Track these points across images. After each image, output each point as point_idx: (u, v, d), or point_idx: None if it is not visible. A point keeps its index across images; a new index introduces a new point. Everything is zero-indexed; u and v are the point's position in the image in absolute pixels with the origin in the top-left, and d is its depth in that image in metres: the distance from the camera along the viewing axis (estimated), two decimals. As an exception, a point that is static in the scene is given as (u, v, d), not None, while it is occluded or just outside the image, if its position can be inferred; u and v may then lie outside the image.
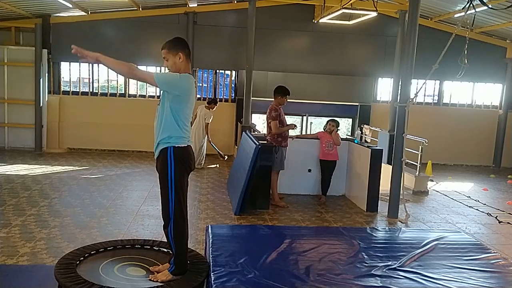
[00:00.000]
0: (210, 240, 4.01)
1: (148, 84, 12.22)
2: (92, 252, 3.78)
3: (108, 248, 3.90)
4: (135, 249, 3.96)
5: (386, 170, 7.24)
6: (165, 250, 3.94)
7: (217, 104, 10.05)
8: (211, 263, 3.53)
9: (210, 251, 3.77)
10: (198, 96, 12.40)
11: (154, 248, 4.00)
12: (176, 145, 3.38)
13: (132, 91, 12.23)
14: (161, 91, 3.52)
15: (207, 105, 9.93)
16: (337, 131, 7.51)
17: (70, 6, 10.12)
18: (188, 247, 4.14)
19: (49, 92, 11.60)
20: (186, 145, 3.45)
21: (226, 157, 10.39)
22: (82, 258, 3.64)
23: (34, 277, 4.05)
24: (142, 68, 12.85)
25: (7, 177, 8.27)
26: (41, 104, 11.18)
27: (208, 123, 9.70)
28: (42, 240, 5.08)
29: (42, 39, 11.03)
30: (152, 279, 3.40)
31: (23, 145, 11.38)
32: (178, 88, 3.42)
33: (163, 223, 3.48)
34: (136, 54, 11.77)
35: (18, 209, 6.27)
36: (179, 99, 3.43)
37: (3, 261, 4.42)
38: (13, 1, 9.70)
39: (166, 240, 3.62)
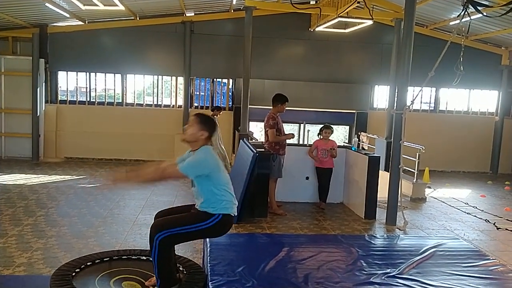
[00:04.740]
0: (208, 249, 3.99)
1: (146, 94, 12.30)
2: (88, 263, 3.74)
3: (104, 259, 3.86)
4: (131, 260, 3.93)
5: (383, 177, 7.24)
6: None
7: (221, 111, 10.18)
8: (209, 272, 3.51)
9: (208, 260, 3.75)
10: (196, 104, 12.44)
11: (150, 259, 3.97)
12: (224, 213, 3.36)
13: (129, 100, 12.24)
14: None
15: (211, 112, 10.08)
16: (333, 146, 7.48)
17: (68, 16, 10.16)
18: (185, 256, 4.13)
19: (46, 102, 11.60)
20: (233, 214, 3.44)
21: None
22: (78, 270, 3.60)
23: (30, 287, 4.02)
24: (139, 76, 12.73)
25: (3, 186, 8.23)
26: (38, 114, 11.16)
27: None
28: (38, 250, 5.05)
29: (39, 49, 11.04)
30: None
31: (20, 155, 11.34)
32: (206, 167, 3.36)
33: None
34: (133, 63, 11.82)
35: (15, 219, 6.23)
36: (212, 175, 3.38)
37: (-1, 272, 4.39)
38: (11, 11, 9.73)
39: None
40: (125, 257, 3.96)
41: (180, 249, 4.63)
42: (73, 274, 3.50)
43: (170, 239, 3.29)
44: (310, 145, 7.92)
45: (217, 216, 3.34)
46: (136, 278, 3.58)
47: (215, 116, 9.86)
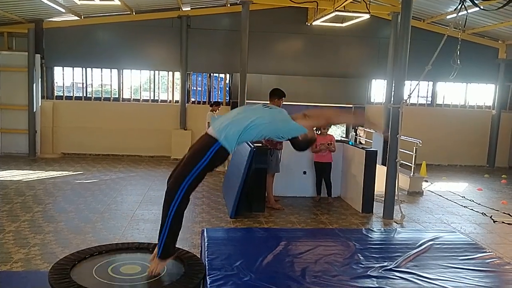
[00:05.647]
0: (206, 244, 3.99)
1: (142, 89, 12.25)
2: (86, 256, 3.74)
3: (102, 252, 3.86)
4: (130, 253, 3.93)
5: (380, 172, 7.25)
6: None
7: (219, 106, 10.19)
8: (207, 267, 3.51)
9: (206, 255, 3.75)
10: (193, 99, 12.41)
11: (150, 249, 3.97)
12: (224, 145, 3.36)
13: (126, 95, 12.20)
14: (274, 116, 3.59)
15: (210, 107, 10.09)
16: (331, 141, 7.51)
17: (63, 11, 10.10)
18: (184, 249, 4.12)
19: (42, 97, 11.55)
20: (229, 151, 3.44)
21: None
22: (76, 263, 3.60)
23: (28, 283, 4.01)
24: (135, 71, 12.65)
25: (0, 183, 8.21)
26: (34, 109, 11.12)
27: (209, 122, 9.66)
28: (36, 246, 5.05)
29: (35, 44, 10.99)
30: (148, 273, 3.39)
31: (17, 151, 11.30)
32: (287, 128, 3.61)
33: (158, 225, 3.42)
34: (129, 58, 11.77)
35: (12, 215, 6.22)
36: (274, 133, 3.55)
37: (-4, 268, 4.38)
38: (6, 6, 9.66)
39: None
40: (123, 249, 3.96)
41: (178, 244, 4.62)
42: (71, 267, 3.50)
43: (187, 193, 3.31)
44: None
45: (217, 145, 3.35)
46: (135, 262, 3.59)
47: (214, 112, 9.84)
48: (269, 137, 3.62)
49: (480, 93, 13.26)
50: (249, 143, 6.69)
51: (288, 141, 3.82)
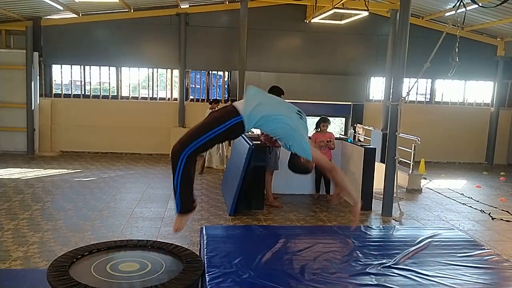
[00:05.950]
0: (205, 241, 3.99)
1: (141, 87, 12.24)
2: (85, 254, 3.74)
3: (101, 249, 3.86)
4: (128, 249, 3.93)
5: (379, 169, 7.26)
6: (161, 248, 3.90)
7: (218, 104, 10.16)
8: (206, 264, 3.51)
9: (205, 252, 3.75)
10: (191, 97, 12.40)
11: (148, 247, 3.97)
12: (244, 120, 3.34)
13: (124, 93, 12.18)
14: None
15: (209, 105, 10.09)
16: (331, 138, 7.50)
17: (61, 8, 10.07)
18: (183, 247, 4.12)
19: (40, 95, 11.53)
20: (245, 129, 3.42)
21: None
22: (74, 260, 3.60)
23: (27, 281, 4.01)
24: (133, 69, 12.66)
25: (-1, 181, 8.21)
26: (32, 107, 11.10)
27: None
28: (35, 244, 5.05)
29: (33, 42, 10.96)
30: (173, 231, 3.57)
31: (15, 149, 11.28)
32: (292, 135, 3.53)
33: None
34: (128, 56, 11.75)
35: (11, 213, 6.21)
36: (280, 135, 3.52)
37: (-5, 266, 4.38)
38: (3, 3, 9.63)
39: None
40: (122, 246, 3.95)
41: (177, 242, 4.62)
42: (70, 264, 3.50)
43: (193, 153, 3.32)
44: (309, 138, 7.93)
45: (238, 119, 3.35)
46: (133, 259, 3.60)
47: (213, 109, 9.84)
48: (278, 138, 3.59)
49: (479, 91, 13.27)
50: (248, 141, 6.68)
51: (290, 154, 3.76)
